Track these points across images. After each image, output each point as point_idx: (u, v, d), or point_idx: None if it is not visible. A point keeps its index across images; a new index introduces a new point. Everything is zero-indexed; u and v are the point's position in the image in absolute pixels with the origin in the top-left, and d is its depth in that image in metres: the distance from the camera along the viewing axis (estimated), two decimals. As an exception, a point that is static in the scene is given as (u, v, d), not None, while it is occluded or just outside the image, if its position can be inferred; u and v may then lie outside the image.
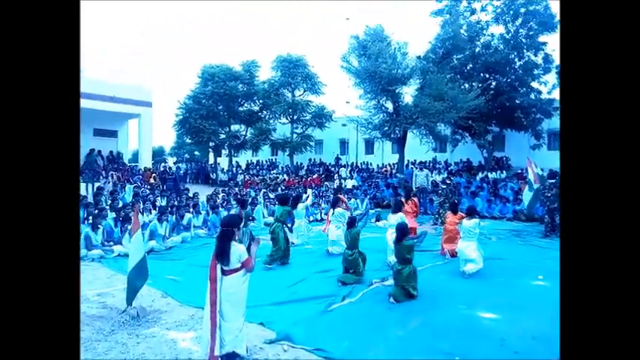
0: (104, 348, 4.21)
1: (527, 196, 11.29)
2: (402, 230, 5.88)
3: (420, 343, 4.36)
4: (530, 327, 4.75)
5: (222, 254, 3.82)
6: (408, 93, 18.97)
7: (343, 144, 30.27)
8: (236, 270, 3.88)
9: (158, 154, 46.03)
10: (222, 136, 26.57)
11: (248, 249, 4.01)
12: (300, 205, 10.00)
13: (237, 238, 3.93)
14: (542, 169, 11.71)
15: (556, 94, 20.15)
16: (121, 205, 10.70)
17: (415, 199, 10.02)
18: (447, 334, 4.58)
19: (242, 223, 4.11)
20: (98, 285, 6.47)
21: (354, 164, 26.46)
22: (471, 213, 7.15)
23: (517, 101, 19.49)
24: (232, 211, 10.84)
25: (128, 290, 5.11)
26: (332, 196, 14.92)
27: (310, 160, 28.51)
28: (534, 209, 11.74)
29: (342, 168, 24.75)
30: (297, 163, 27.61)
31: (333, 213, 8.90)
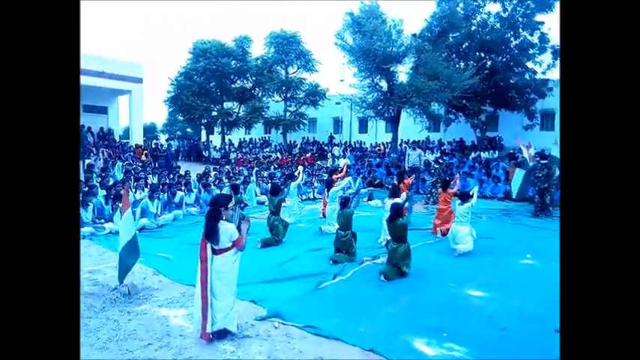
0: (95, 325, 4.22)
1: (515, 182, 11.35)
2: (396, 210, 5.91)
3: (409, 321, 4.43)
4: (517, 305, 4.84)
5: (210, 234, 3.81)
6: (403, 72, 18.81)
7: (337, 122, 30.08)
8: (227, 249, 3.88)
9: (150, 131, 45.49)
10: (215, 113, 26.27)
11: (239, 228, 4.00)
12: (293, 184, 9.98)
13: (225, 217, 3.91)
14: (534, 149, 11.76)
15: (550, 75, 20.07)
16: (112, 182, 10.61)
17: (408, 180, 10.01)
18: (436, 312, 4.65)
19: (231, 203, 4.07)
20: (89, 262, 6.46)
21: (348, 143, 26.37)
22: (464, 198, 7.18)
23: (511, 81, 19.38)
24: (224, 191, 10.81)
25: (120, 268, 5.10)
26: (326, 175, 14.94)
27: (304, 138, 28.35)
28: (525, 193, 11.82)
29: (336, 147, 24.66)
30: (290, 141, 27.46)
31: (328, 195, 8.89)
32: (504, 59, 19.74)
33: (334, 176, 10.63)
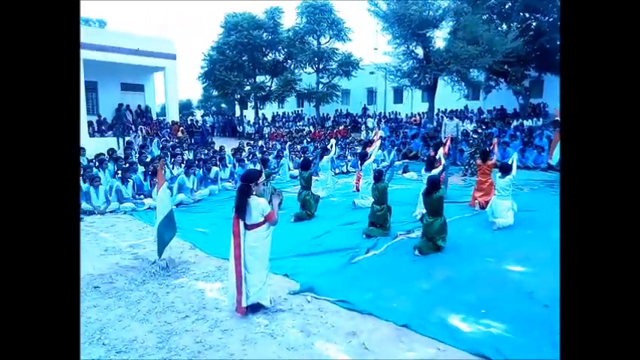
0: (136, 297, 4.39)
1: (558, 150, 10.72)
2: (433, 183, 5.72)
3: (444, 296, 4.32)
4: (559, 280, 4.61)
5: (241, 209, 3.81)
6: (440, 37, 17.94)
7: (371, 93, 29.41)
8: (259, 224, 3.88)
9: (186, 108, 46.41)
10: (248, 87, 26.34)
11: (270, 203, 3.98)
12: (325, 158, 9.88)
13: (255, 192, 3.89)
14: None
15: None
16: (149, 159, 10.91)
17: (445, 149, 9.65)
18: (473, 288, 4.52)
19: (261, 178, 4.04)
20: (130, 237, 6.72)
21: (382, 114, 25.82)
22: (505, 170, 6.84)
23: (559, 42, 18.09)
24: (258, 165, 10.87)
25: (158, 243, 5.25)
26: (359, 148, 14.72)
27: (337, 110, 28.01)
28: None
29: (369, 118, 24.19)
30: (323, 114, 27.20)
31: (361, 168, 8.75)
32: (551, 19, 18.36)
33: (367, 148, 10.43)
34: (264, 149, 14.63)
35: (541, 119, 19.30)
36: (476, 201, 8.12)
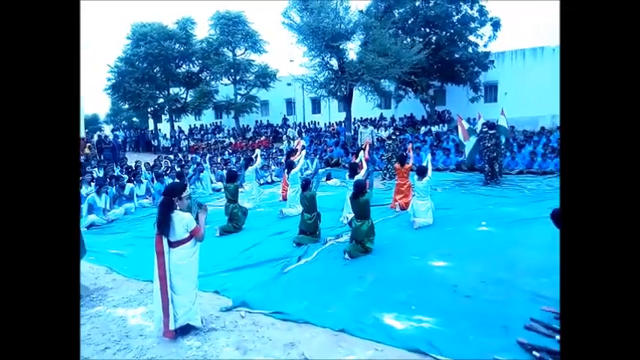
0: (44, 334, 3.89)
1: (468, 147, 11.73)
2: (360, 187, 5.88)
3: (377, 297, 4.43)
4: (478, 271, 4.99)
5: (162, 224, 3.57)
6: (353, 49, 18.68)
7: (289, 104, 29.64)
8: (184, 241, 3.66)
9: (92, 123, 42.85)
10: (161, 100, 25.07)
11: (196, 219, 3.78)
12: (250, 168, 9.71)
13: (179, 207, 3.67)
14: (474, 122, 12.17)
15: (491, 47, 20.84)
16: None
17: (367, 156, 10.01)
18: (402, 286, 4.69)
19: (186, 192, 3.82)
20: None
21: (302, 124, 26.11)
22: (422, 173, 7.26)
23: (456, 55, 19.86)
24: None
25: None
26: (282, 157, 14.70)
27: (257, 121, 27.76)
28: (474, 159, 12.26)
29: (290, 128, 24.34)
30: (243, 125, 26.80)
31: (288, 177, 8.72)
32: (448, 34, 20.15)
33: (292, 157, 10.46)
34: (183, 162, 13.99)
35: (446, 125, 20.95)
36: (396, 203, 8.50)
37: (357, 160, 8.31)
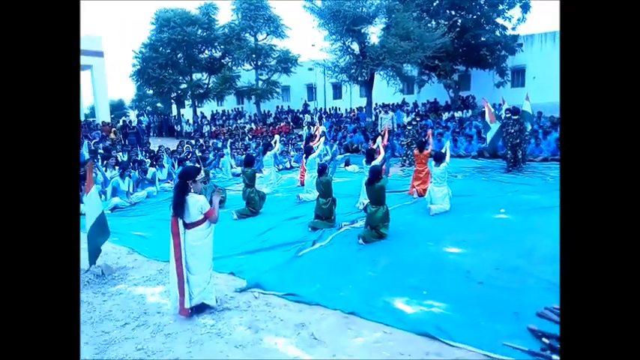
0: (69, 309, 4.09)
1: (490, 133, 11.48)
2: (375, 173, 5.88)
3: (389, 281, 4.46)
4: (493, 258, 4.94)
5: (177, 206, 3.68)
6: (374, 33, 18.40)
7: (310, 89, 29.56)
8: (198, 222, 3.76)
9: (118, 108, 43.81)
10: (184, 85, 25.40)
11: (210, 202, 3.87)
12: (268, 153, 9.80)
13: (193, 190, 3.76)
14: (503, 106, 11.86)
15: (520, 30, 20.10)
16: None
17: (384, 141, 9.93)
18: (415, 271, 4.70)
19: (200, 175, 3.91)
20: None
21: (323, 110, 26.03)
22: (438, 159, 7.18)
23: (482, 39, 19.29)
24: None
25: (89, 249, 4.93)
26: (301, 143, 14.75)
27: (278, 107, 27.83)
28: (496, 146, 11.99)
29: (306, 114, 24.30)
30: (264, 111, 26.92)
31: (306, 162, 8.77)
32: (474, 16, 19.55)
33: (311, 143, 10.48)
34: (204, 147, 14.20)
35: (470, 111, 20.47)
36: (414, 189, 8.44)
37: (375, 146, 8.27)
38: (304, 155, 9.08)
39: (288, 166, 13.46)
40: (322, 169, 6.76)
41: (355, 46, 18.07)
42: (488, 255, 5.07)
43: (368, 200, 6.10)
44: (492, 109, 11.61)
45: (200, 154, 11.63)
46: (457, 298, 3.99)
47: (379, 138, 8.73)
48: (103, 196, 8.99)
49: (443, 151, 7.48)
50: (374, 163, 6.86)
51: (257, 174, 8.19)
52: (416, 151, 8.77)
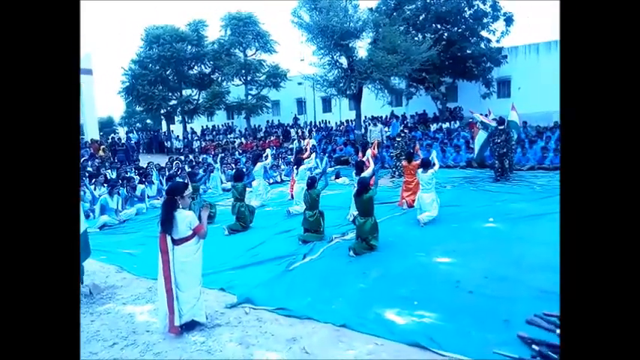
0: (56, 329, 4.02)
1: (478, 142, 11.63)
2: (363, 184, 5.91)
3: (380, 293, 4.46)
4: (482, 267, 4.97)
5: (165, 222, 3.66)
6: (362, 47, 18.64)
7: (300, 103, 29.73)
8: (187, 238, 3.75)
9: (107, 125, 43.64)
10: (174, 101, 25.43)
11: (199, 217, 3.87)
12: (258, 165, 9.80)
13: (182, 205, 3.76)
14: (489, 115, 12.05)
15: (504, 42, 20.55)
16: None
17: (374, 151, 10.01)
18: (405, 282, 4.71)
19: (187, 191, 3.91)
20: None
21: (313, 123, 26.17)
22: (425, 165, 7.25)
23: (468, 51, 19.65)
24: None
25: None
26: (291, 157, 14.79)
27: (268, 121, 27.91)
28: (484, 156, 12.14)
29: (292, 129, 24.44)
30: (254, 125, 26.98)
31: (297, 173, 8.80)
32: (460, 30, 19.94)
33: (301, 156, 10.52)
34: (194, 163, 14.17)
35: (457, 122, 20.75)
36: (404, 200, 8.49)
37: (364, 158, 8.33)
38: (295, 167, 9.10)
39: (279, 180, 13.46)
40: (311, 182, 6.78)
41: (343, 60, 18.28)
42: (478, 264, 5.10)
43: (357, 212, 6.13)
44: (481, 118, 11.77)
45: (190, 169, 11.62)
46: (447, 308, 4.01)
47: (368, 150, 8.80)
48: (91, 214, 8.92)
49: (430, 158, 7.57)
50: (363, 174, 6.91)
51: (247, 188, 8.18)
52: (405, 162, 8.85)
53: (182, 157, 16.59)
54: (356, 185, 6.33)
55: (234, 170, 12.82)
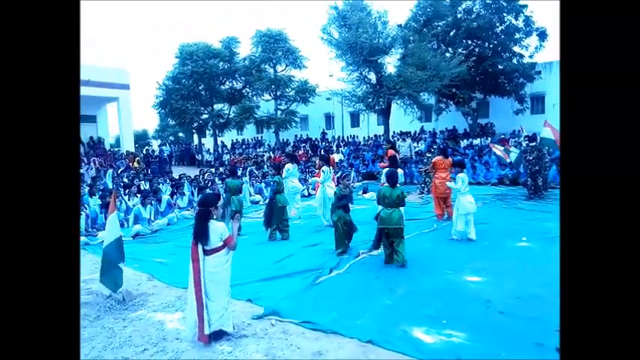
0: (90, 334, 4.16)
1: (513, 156, 11.43)
2: (391, 177, 5.96)
3: (407, 310, 4.40)
4: (514, 287, 4.83)
5: (200, 234, 3.76)
6: (391, 63, 18.76)
7: (329, 118, 29.98)
8: (218, 249, 3.83)
9: (142, 138, 45.27)
10: (205, 115, 26.17)
11: (229, 227, 3.95)
12: (289, 165, 10.08)
13: (215, 217, 3.86)
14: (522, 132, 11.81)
15: (538, 58, 20.15)
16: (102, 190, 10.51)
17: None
18: (434, 300, 4.63)
19: (220, 202, 4.01)
20: (83, 272, 6.36)
21: (341, 138, 26.30)
22: (461, 166, 7.40)
23: (500, 67, 19.40)
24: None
25: (103, 267, 5.00)
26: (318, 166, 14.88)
27: (296, 136, 28.26)
28: (519, 172, 11.92)
29: (304, 145, 24.66)
30: (283, 139, 27.36)
31: (323, 171, 8.89)
32: (491, 45, 19.75)
33: (315, 176, 10.69)
34: (224, 176, 14.47)
35: (489, 138, 20.37)
36: (444, 211, 8.60)
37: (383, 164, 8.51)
38: (321, 165, 9.16)
39: (307, 194, 13.55)
40: (340, 200, 6.70)
41: (372, 76, 18.42)
42: (509, 284, 4.96)
43: (381, 207, 6.03)
44: (502, 148, 11.80)
45: (220, 182, 11.89)
46: (477, 328, 3.91)
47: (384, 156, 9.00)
48: (125, 223, 9.22)
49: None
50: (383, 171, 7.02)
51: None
52: (440, 158, 8.80)
53: (212, 170, 16.98)
54: (385, 178, 6.31)
55: (262, 183, 13.08)
